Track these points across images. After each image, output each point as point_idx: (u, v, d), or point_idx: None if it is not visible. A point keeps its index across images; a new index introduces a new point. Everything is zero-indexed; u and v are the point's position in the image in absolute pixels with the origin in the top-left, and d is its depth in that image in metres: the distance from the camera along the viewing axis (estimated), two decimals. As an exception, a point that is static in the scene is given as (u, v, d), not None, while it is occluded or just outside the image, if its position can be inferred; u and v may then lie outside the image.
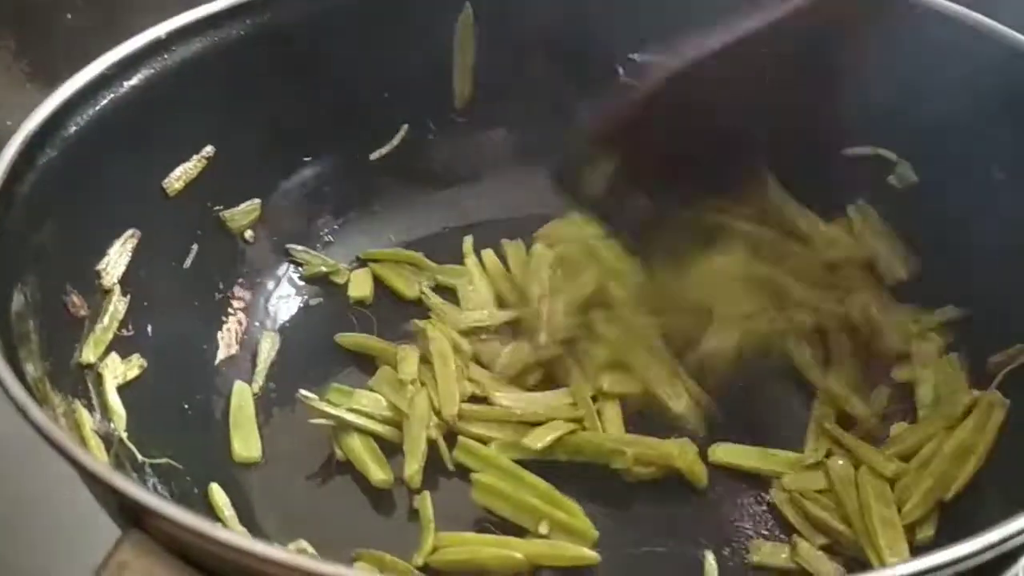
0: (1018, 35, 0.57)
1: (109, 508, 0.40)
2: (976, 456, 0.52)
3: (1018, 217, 0.55)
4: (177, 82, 0.57)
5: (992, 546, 0.34)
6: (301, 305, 0.65)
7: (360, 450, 0.55)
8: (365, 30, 0.64)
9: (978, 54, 0.57)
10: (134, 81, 0.56)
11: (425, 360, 0.59)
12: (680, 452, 0.53)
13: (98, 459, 0.45)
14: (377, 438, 0.56)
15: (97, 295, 0.53)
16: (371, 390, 0.58)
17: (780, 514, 0.53)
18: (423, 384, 0.57)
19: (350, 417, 0.56)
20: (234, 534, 0.34)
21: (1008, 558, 0.38)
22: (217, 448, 0.56)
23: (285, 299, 0.64)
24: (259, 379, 0.60)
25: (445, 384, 0.57)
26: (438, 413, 0.56)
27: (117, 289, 0.54)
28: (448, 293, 0.65)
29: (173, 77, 0.57)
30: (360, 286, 0.65)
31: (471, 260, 0.67)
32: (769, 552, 0.51)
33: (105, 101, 0.54)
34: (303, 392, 0.56)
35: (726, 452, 0.55)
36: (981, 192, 0.57)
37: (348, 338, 0.62)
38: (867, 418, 0.56)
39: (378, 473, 0.54)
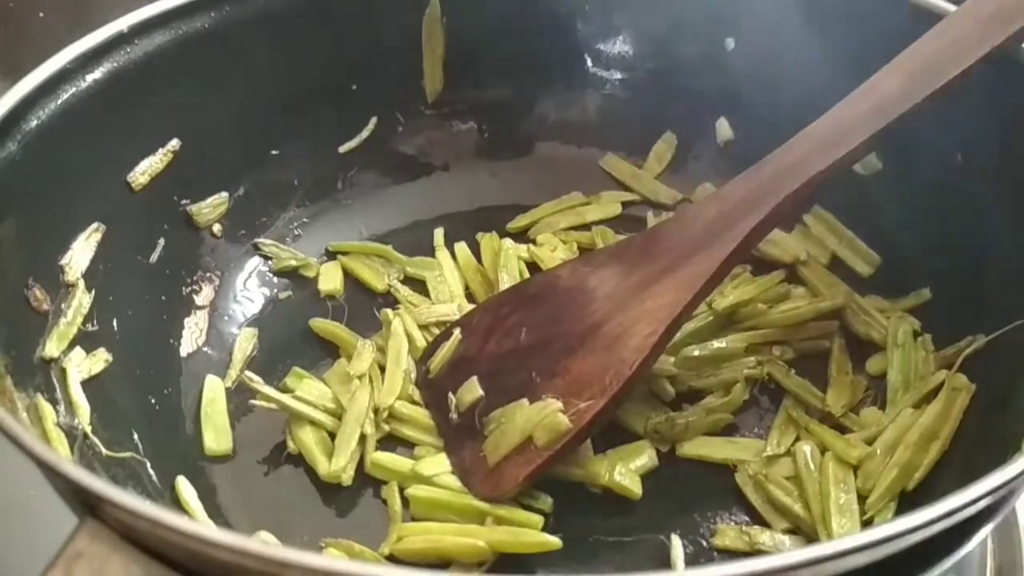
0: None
1: (65, 497, 0.40)
2: (940, 442, 0.52)
3: (974, 197, 0.56)
4: (141, 75, 0.57)
5: (939, 518, 0.34)
6: (270, 299, 0.65)
7: (310, 442, 0.55)
8: (331, 22, 0.64)
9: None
10: (96, 75, 0.55)
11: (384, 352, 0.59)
12: (607, 470, 0.53)
13: (57, 451, 0.45)
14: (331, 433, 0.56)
15: (61, 289, 0.53)
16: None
17: (745, 498, 0.53)
18: (371, 381, 0.57)
19: (291, 403, 0.56)
20: (184, 519, 0.34)
21: (962, 531, 0.39)
22: (184, 442, 0.56)
23: (254, 293, 0.64)
24: (233, 374, 0.60)
25: (389, 381, 0.57)
26: (376, 411, 0.56)
27: (81, 283, 0.54)
28: (419, 285, 0.65)
29: (136, 70, 0.57)
30: (330, 279, 0.65)
31: (442, 252, 0.67)
32: (733, 536, 0.51)
33: (67, 95, 0.54)
34: (248, 373, 0.57)
35: (693, 445, 0.55)
36: (942, 176, 0.57)
37: (321, 324, 0.62)
38: (840, 412, 0.56)
39: (325, 466, 0.54)
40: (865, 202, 0.63)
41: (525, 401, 0.52)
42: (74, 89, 0.54)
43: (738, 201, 0.53)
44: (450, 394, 0.56)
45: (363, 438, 0.55)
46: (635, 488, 0.52)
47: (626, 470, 0.53)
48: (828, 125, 0.53)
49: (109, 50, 0.56)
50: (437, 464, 0.54)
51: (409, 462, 0.54)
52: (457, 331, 0.59)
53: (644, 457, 0.55)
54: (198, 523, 0.35)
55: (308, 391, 0.57)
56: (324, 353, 0.61)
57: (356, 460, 0.54)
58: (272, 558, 0.33)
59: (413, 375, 0.59)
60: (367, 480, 0.54)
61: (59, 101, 0.53)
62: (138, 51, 0.57)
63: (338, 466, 0.53)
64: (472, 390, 0.55)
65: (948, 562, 0.39)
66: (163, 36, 0.58)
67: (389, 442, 0.56)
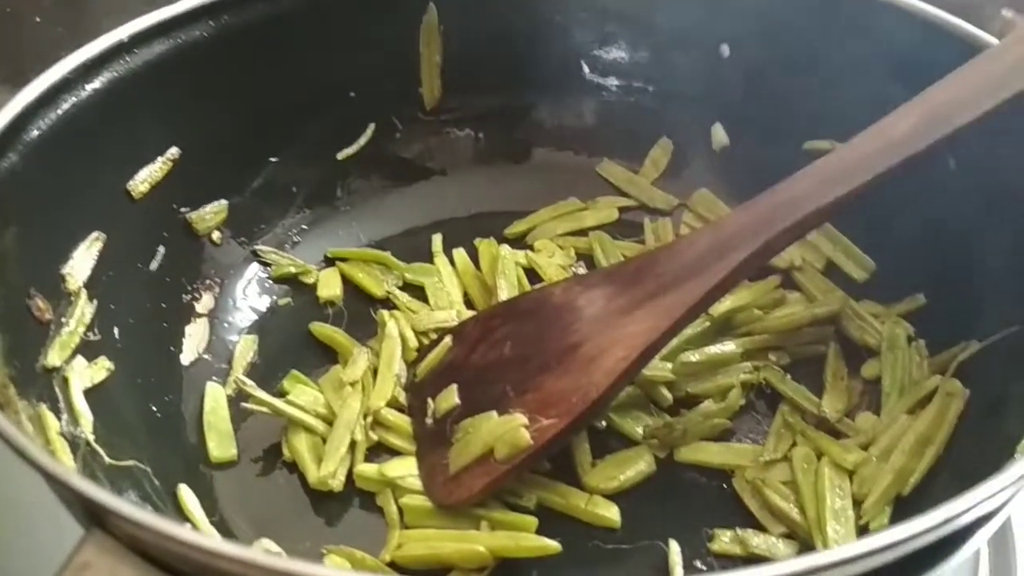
0: (974, 29, 0.58)
1: (71, 509, 0.40)
2: (935, 447, 0.53)
3: (968, 203, 0.57)
4: (140, 84, 0.57)
5: (936, 526, 0.34)
6: (270, 306, 0.65)
7: (303, 449, 0.55)
8: (329, 30, 0.65)
9: (940, 51, 0.58)
10: (96, 84, 0.55)
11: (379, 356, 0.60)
12: (587, 503, 0.53)
13: (62, 462, 0.46)
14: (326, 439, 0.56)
15: (62, 298, 0.53)
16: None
17: (742, 504, 0.54)
18: (364, 388, 0.58)
19: (283, 407, 0.56)
20: (191, 531, 0.34)
21: (957, 538, 0.39)
22: (185, 449, 0.56)
23: (254, 300, 0.65)
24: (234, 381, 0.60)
25: (380, 384, 0.58)
26: (366, 416, 0.56)
27: (83, 292, 0.54)
28: (418, 291, 0.65)
29: (136, 79, 0.57)
30: (329, 286, 0.65)
31: (440, 258, 0.67)
32: (729, 541, 0.52)
33: (67, 104, 0.54)
34: (241, 377, 0.57)
35: (690, 450, 0.56)
36: (936, 182, 0.57)
37: (320, 328, 0.62)
38: (835, 417, 0.57)
39: (315, 472, 0.54)
40: (860, 208, 0.63)
41: (494, 413, 0.53)
42: (74, 99, 0.54)
43: (733, 232, 0.52)
44: (429, 400, 0.56)
45: (354, 445, 0.55)
46: (613, 516, 0.53)
47: (602, 500, 0.53)
48: (834, 162, 0.52)
49: (109, 59, 0.56)
50: (404, 467, 0.54)
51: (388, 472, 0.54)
52: (448, 338, 0.59)
53: (641, 463, 0.55)
54: (204, 535, 0.36)
55: (301, 396, 0.57)
56: (324, 359, 0.61)
57: (346, 467, 0.55)
58: (281, 571, 0.33)
59: (404, 379, 0.59)
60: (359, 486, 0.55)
61: (59, 111, 0.53)
62: (137, 60, 0.57)
63: (327, 472, 0.53)
64: (449, 398, 0.55)
65: (944, 567, 0.40)
66: (162, 45, 0.58)
67: (378, 451, 0.57)
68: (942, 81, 0.52)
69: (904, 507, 0.52)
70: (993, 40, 0.56)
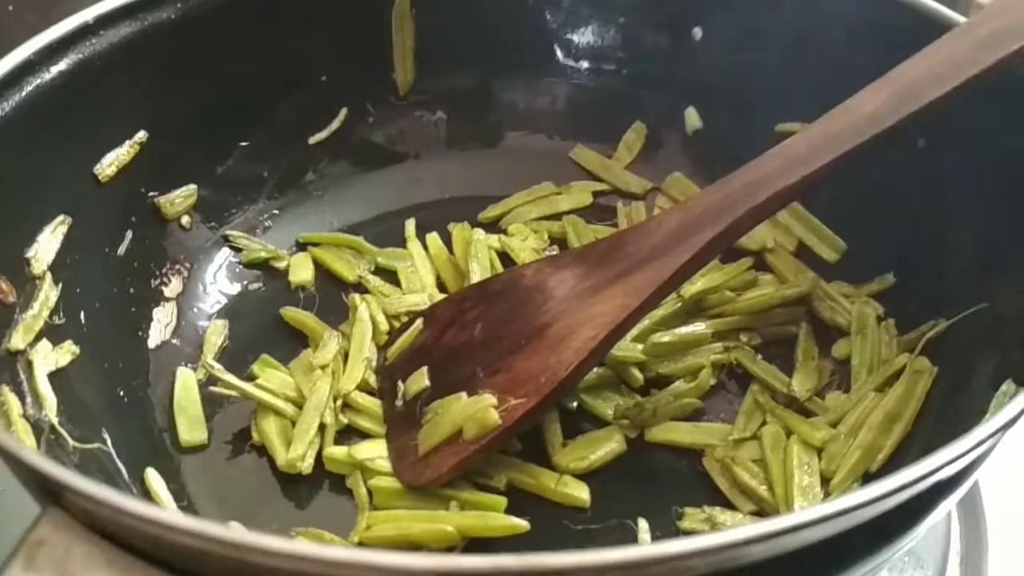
0: (944, 8, 0.58)
1: (27, 486, 0.40)
2: (903, 424, 0.53)
3: (937, 182, 0.57)
4: (107, 67, 0.57)
5: (894, 491, 0.34)
6: (240, 291, 0.64)
7: (272, 432, 0.55)
8: (301, 13, 0.64)
9: (910, 31, 0.58)
10: (62, 66, 0.55)
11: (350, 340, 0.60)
12: (557, 483, 0.53)
13: (22, 441, 0.45)
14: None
15: (27, 282, 0.53)
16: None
17: (712, 482, 0.54)
18: (333, 372, 0.57)
19: (252, 390, 0.56)
20: (146, 504, 0.34)
21: (923, 504, 0.39)
22: (153, 433, 0.56)
23: (224, 285, 0.64)
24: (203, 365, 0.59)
25: (351, 368, 0.57)
26: (336, 399, 0.56)
27: (48, 276, 0.54)
28: (390, 276, 0.65)
29: (102, 62, 0.56)
30: (300, 271, 0.65)
31: (413, 243, 0.67)
32: (698, 519, 0.51)
33: (31, 87, 0.53)
34: (210, 360, 0.57)
35: (661, 430, 0.56)
36: (905, 161, 0.57)
37: (291, 312, 0.62)
38: (805, 396, 0.57)
39: (283, 455, 0.54)
40: (830, 189, 0.63)
41: (463, 394, 0.53)
42: (39, 81, 0.54)
43: (702, 211, 0.52)
44: (399, 382, 0.56)
45: (324, 428, 0.55)
46: (583, 495, 0.53)
47: (572, 480, 0.53)
48: (802, 141, 0.52)
49: (74, 41, 0.55)
50: (373, 449, 0.54)
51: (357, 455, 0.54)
52: (419, 321, 0.59)
53: (612, 443, 0.55)
54: (159, 509, 0.35)
55: (271, 380, 0.57)
56: (295, 344, 0.61)
57: (316, 449, 0.54)
58: (235, 542, 0.33)
59: (374, 362, 0.59)
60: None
61: (23, 93, 0.53)
62: (103, 42, 0.57)
63: (295, 454, 0.53)
64: (419, 380, 0.55)
65: (907, 537, 0.40)
66: (129, 27, 0.58)
67: (348, 434, 0.56)
68: (911, 59, 0.52)
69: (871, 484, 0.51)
70: (961, 18, 0.56)
